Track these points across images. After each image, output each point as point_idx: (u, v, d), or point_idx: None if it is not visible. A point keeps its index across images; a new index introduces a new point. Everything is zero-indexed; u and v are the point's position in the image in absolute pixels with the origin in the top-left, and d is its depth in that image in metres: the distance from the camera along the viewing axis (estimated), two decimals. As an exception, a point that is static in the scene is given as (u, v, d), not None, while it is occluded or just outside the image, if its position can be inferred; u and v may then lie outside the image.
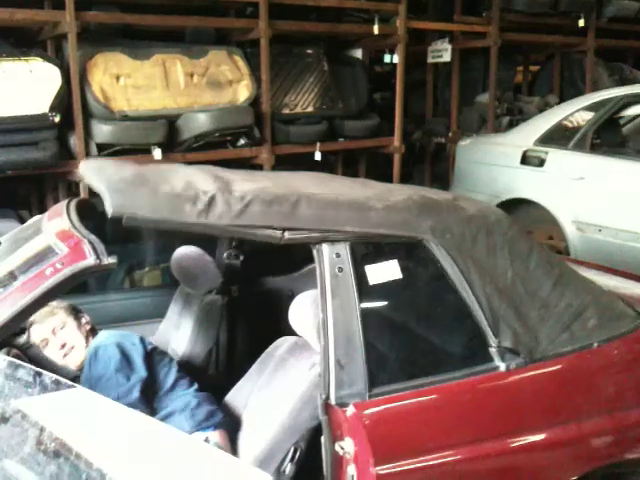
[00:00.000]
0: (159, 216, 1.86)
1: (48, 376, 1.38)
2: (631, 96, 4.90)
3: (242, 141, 5.11)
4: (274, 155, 5.28)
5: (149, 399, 2.35)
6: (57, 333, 2.46)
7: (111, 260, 1.83)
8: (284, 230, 1.94)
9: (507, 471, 2.14)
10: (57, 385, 1.33)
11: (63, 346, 2.45)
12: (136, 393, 2.27)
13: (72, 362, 2.45)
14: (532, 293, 2.20)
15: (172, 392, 2.41)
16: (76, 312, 2.55)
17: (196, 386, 2.48)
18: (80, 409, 1.33)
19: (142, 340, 2.46)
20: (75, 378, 2.42)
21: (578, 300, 2.27)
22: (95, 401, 1.39)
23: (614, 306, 2.41)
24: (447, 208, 2.20)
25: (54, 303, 2.47)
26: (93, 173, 2.05)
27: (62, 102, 4.33)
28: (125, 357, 2.34)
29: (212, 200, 1.89)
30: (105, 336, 2.44)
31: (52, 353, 2.46)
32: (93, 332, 2.53)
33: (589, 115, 4.92)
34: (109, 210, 1.81)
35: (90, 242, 1.86)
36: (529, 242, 2.32)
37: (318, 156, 5.52)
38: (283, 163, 5.55)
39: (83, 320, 2.54)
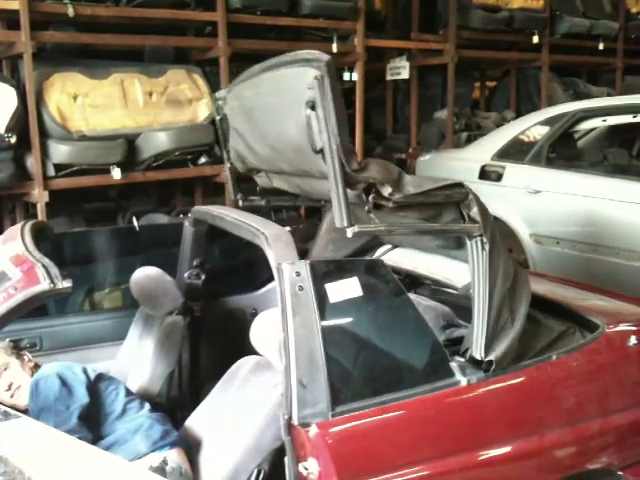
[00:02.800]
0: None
1: (-4, 408, 1.37)
2: (585, 110, 5.01)
3: (203, 159, 5.09)
4: (235, 173, 5.26)
5: (94, 425, 2.35)
6: (1, 374, 2.43)
7: (66, 284, 1.81)
8: (392, 193, 1.99)
9: (472, 485, 2.14)
10: (6, 416, 1.32)
11: (10, 386, 2.42)
12: (74, 419, 2.28)
13: (21, 401, 2.42)
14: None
15: (123, 416, 2.42)
16: (17, 351, 2.55)
17: (148, 407, 2.48)
18: (29, 438, 1.33)
19: (84, 369, 2.46)
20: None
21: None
22: (42, 431, 1.38)
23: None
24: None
25: None
26: None
27: (18, 123, 4.27)
28: (65, 386, 2.35)
29: (353, 150, 1.96)
30: (46, 368, 2.44)
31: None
32: (37, 368, 2.51)
33: (545, 129, 5.01)
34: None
35: (44, 266, 1.83)
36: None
37: (280, 173, 5.52)
38: (245, 181, 5.53)
39: (25, 358, 2.54)
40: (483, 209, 2.21)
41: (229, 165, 2.74)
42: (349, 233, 1.93)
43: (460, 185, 2.18)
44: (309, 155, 2.00)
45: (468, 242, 2.19)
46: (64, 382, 2.36)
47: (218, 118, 2.64)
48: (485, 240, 2.17)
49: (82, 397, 2.35)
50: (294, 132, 2.03)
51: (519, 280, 2.32)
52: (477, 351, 2.13)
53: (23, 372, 2.46)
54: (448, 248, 2.61)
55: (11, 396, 2.41)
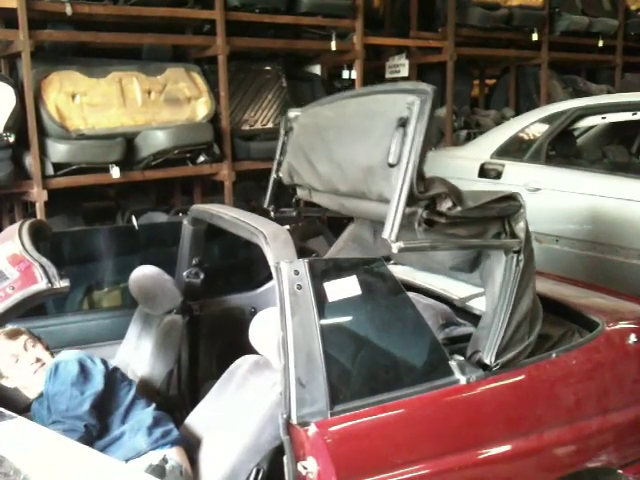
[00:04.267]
0: None
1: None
2: (584, 108, 4.99)
3: (202, 158, 5.08)
4: (234, 171, 5.27)
5: (103, 415, 2.36)
6: (29, 349, 2.47)
7: (63, 283, 1.81)
8: (453, 205, 2.00)
9: (471, 484, 2.14)
10: (1, 417, 1.33)
11: (37, 360, 2.45)
12: (86, 406, 2.30)
13: (40, 380, 2.43)
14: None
15: (129, 411, 2.43)
16: (38, 337, 2.57)
17: (153, 406, 2.48)
18: (25, 438, 1.33)
19: (103, 360, 2.49)
20: (26, 408, 2.45)
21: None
22: (37, 431, 1.39)
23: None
24: None
25: (16, 325, 2.49)
26: None
27: (17, 122, 4.27)
28: (84, 372, 2.37)
29: (423, 176, 1.97)
30: (66, 353, 2.47)
31: (22, 369, 2.44)
32: (52, 357, 2.53)
33: (544, 127, 4.99)
34: None
35: (41, 265, 1.83)
36: None
37: (279, 172, 5.52)
38: (244, 179, 5.54)
39: (45, 343, 2.56)
40: (527, 226, 2.22)
41: (275, 176, 2.77)
42: (394, 249, 1.93)
43: (514, 197, 2.18)
44: (376, 175, 2.02)
45: (504, 257, 2.20)
46: (83, 368, 2.39)
47: (283, 132, 2.71)
48: (521, 257, 2.18)
49: (98, 385, 2.37)
50: (369, 151, 2.05)
51: (536, 300, 2.34)
52: (488, 357, 2.14)
53: (47, 353, 2.50)
54: (460, 271, 2.63)
55: (34, 372, 2.43)
